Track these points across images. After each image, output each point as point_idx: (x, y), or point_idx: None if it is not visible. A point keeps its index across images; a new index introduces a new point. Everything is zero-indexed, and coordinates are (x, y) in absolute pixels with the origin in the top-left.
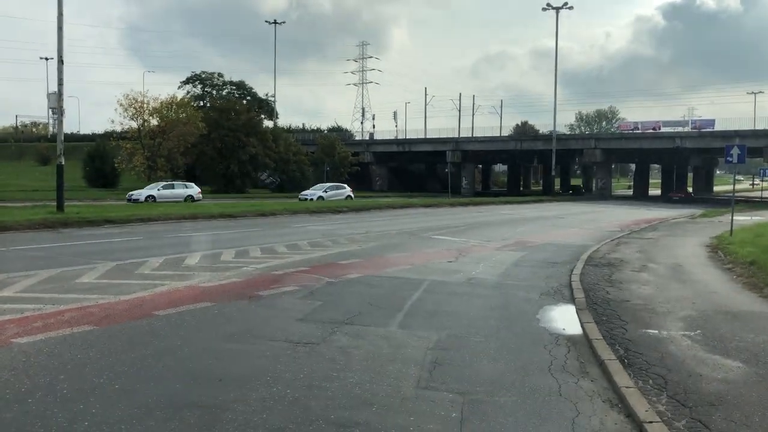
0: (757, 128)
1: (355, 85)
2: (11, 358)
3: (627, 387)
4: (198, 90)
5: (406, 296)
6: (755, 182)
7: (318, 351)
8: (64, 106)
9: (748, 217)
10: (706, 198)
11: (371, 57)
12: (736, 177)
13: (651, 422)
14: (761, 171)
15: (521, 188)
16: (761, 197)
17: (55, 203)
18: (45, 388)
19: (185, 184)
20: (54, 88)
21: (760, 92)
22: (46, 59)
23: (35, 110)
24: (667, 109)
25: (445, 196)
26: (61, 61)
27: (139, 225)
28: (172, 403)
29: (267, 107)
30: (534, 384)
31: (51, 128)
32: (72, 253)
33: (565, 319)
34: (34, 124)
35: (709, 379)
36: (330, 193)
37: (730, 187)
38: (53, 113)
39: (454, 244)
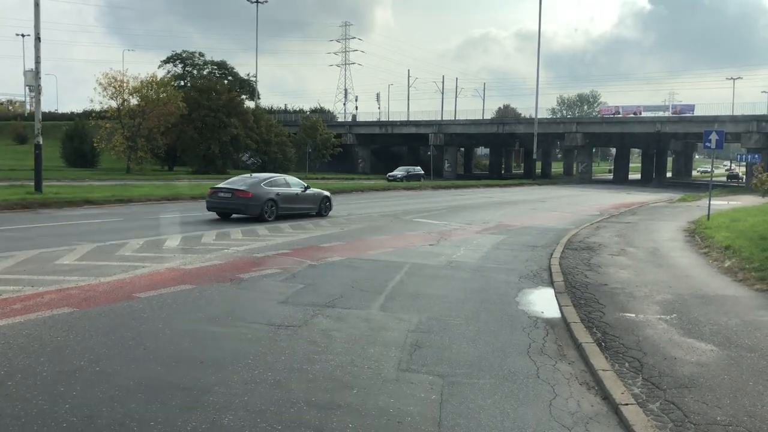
0: (735, 114)
1: (338, 66)
2: None
3: (604, 370)
4: (179, 69)
5: (387, 279)
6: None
7: (299, 334)
8: (42, 85)
9: (725, 202)
10: (685, 182)
11: (354, 38)
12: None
13: (626, 404)
14: (738, 156)
15: (503, 172)
16: (738, 182)
17: (32, 183)
18: (25, 370)
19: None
20: (31, 65)
21: (739, 78)
22: (23, 36)
23: (11, 88)
24: (649, 93)
25: (428, 179)
26: (38, 39)
27: (119, 206)
28: (153, 386)
29: (249, 87)
30: (512, 366)
31: (28, 106)
32: (51, 234)
33: (543, 302)
34: (11, 102)
35: (684, 362)
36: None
37: (718, 171)
38: (30, 91)
39: (435, 227)
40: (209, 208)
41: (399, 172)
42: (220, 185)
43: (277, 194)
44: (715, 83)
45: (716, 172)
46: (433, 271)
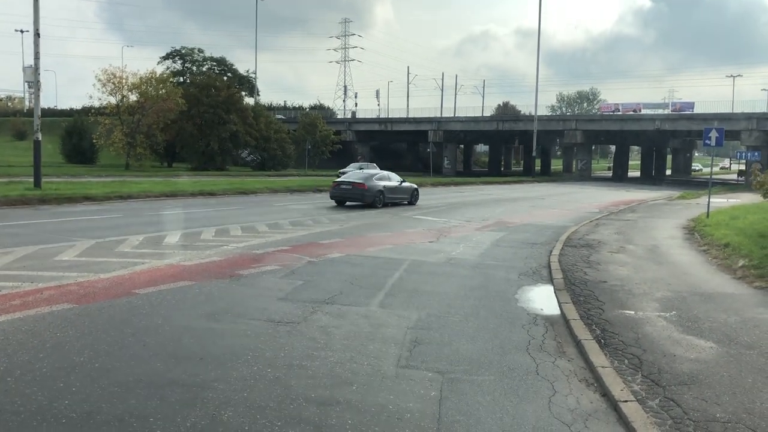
0: (735, 111)
1: (337, 62)
2: None
3: (603, 366)
4: (178, 66)
5: (386, 276)
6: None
7: (299, 330)
8: (41, 80)
9: (725, 200)
10: (684, 180)
11: (354, 34)
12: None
13: (626, 401)
14: (738, 153)
15: (502, 169)
16: (737, 179)
17: (32, 179)
18: (24, 366)
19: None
20: (30, 61)
21: (739, 75)
22: (22, 32)
23: (11, 84)
24: (649, 91)
25: (427, 176)
26: (37, 34)
27: (119, 202)
28: (152, 382)
29: (248, 84)
30: (512, 363)
31: (27, 102)
32: (50, 230)
33: (543, 299)
34: (10, 99)
35: (683, 359)
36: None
37: (707, 169)
38: (29, 87)
39: (435, 224)
40: (332, 197)
41: (349, 170)
42: (341, 179)
43: (384, 187)
44: (716, 81)
45: (717, 169)
46: (432, 268)
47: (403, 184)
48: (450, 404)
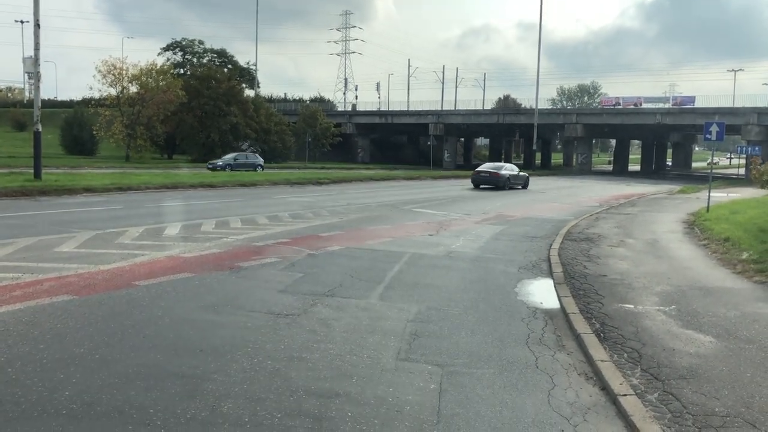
0: (736, 106)
1: (338, 55)
2: None
3: (602, 360)
4: (178, 57)
5: (386, 269)
6: (714, 160)
7: (299, 322)
8: (41, 71)
9: (725, 194)
10: (684, 174)
11: (355, 27)
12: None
13: (625, 395)
14: (738, 148)
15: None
16: (737, 174)
17: (32, 171)
18: (25, 357)
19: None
20: (30, 52)
21: (740, 70)
22: (22, 22)
23: (10, 75)
24: (651, 85)
25: (427, 169)
26: (37, 25)
27: (119, 194)
28: (152, 374)
29: (248, 76)
30: (511, 356)
31: (27, 93)
32: (50, 221)
33: (542, 292)
34: (10, 89)
35: (682, 354)
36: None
37: (725, 161)
38: (29, 78)
39: (435, 217)
40: (474, 181)
41: (227, 158)
42: (480, 169)
43: (510, 175)
44: (717, 75)
45: (721, 163)
46: (432, 261)
47: (520, 173)
48: (449, 397)
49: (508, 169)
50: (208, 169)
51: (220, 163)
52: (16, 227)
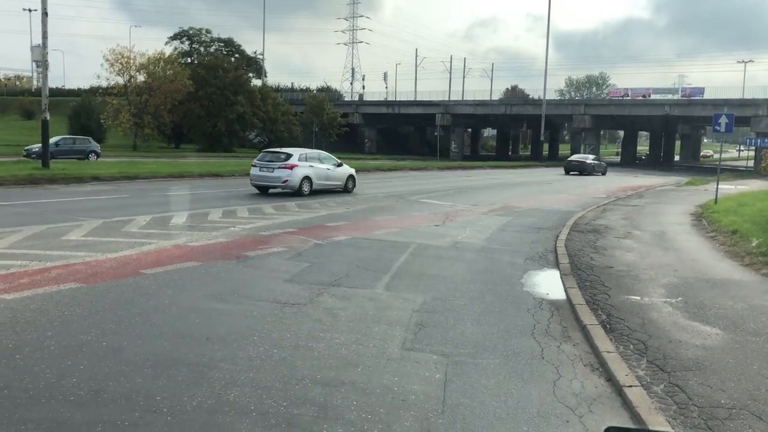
0: (745, 97)
1: (345, 44)
2: None
3: (608, 351)
4: (185, 46)
5: (392, 259)
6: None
7: (305, 312)
8: (49, 60)
9: (733, 186)
10: (693, 166)
11: (362, 16)
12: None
13: (630, 386)
14: (747, 140)
15: (510, 153)
16: (746, 166)
17: (40, 159)
18: (33, 344)
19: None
20: (37, 40)
21: (750, 61)
22: (29, 11)
23: (19, 63)
24: (660, 75)
25: (434, 160)
26: (45, 14)
27: (126, 183)
28: (159, 361)
29: (255, 65)
30: (517, 347)
31: (35, 82)
32: (58, 209)
33: (549, 283)
34: (18, 78)
35: (688, 345)
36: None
37: (716, 155)
38: (37, 67)
39: (441, 208)
40: (566, 168)
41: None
42: (571, 159)
43: (594, 163)
44: (727, 66)
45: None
46: (438, 252)
47: (601, 162)
48: (455, 387)
49: (592, 159)
50: (24, 156)
51: (36, 149)
52: (25, 215)
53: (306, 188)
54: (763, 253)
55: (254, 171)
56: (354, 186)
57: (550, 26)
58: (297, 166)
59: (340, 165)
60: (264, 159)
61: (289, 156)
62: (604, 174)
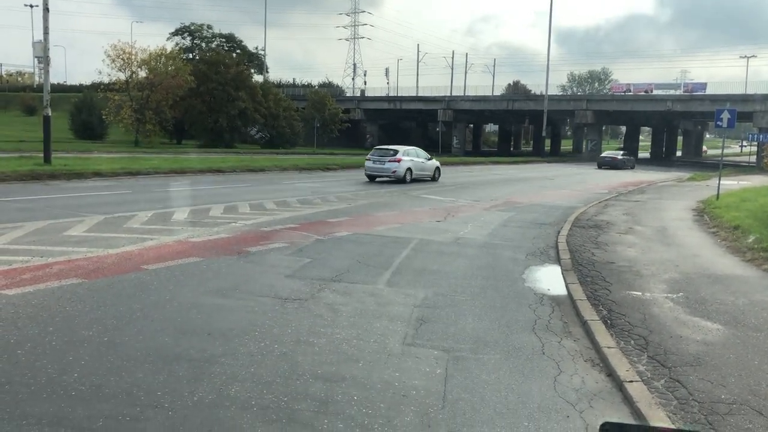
0: (747, 93)
1: (346, 40)
2: None
3: (609, 347)
4: (187, 42)
5: (394, 254)
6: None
7: (306, 307)
8: (50, 56)
9: (735, 182)
10: (694, 161)
11: (364, 11)
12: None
13: (631, 381)
14: (750, 135)
15: (512, 149)
16: (748, 161)
17: (41, 155)
18: (34, 339)
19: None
20: (39, 36)
21: (753, 56)
22: (31, 6)
23: (20, 59)
24: (662, 71)
25: (436, 155)
26: (46, 9)
27: (128, 178)
28: (160, 356)
29: (257, 61)
30: (518, 342)
31: (37, 78)
32: (60, 205)
33: (550, 279)
34: (20, 74)
35: (689, 341)
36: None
37: (719, 151)
38: (39, 62)
39: (443, 204)
40: (599, 164)
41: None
42: (604, 155)
43: (625, 159)
44: (731, 61)
45: (729, 151)
46: (439, 248)
47: (630, 157)
48: (455, 382)
49: (621, 155)
50: None
51: None
52: (26, 211)
53: (408, 177)
54: (764, 248)
55: (368, 164)
56: (439, 176)
57: (553, 21)
58: (402, 160)
59: (430, 159)
60: (376, 155)
61: (396, 152)
62: (632, 168)
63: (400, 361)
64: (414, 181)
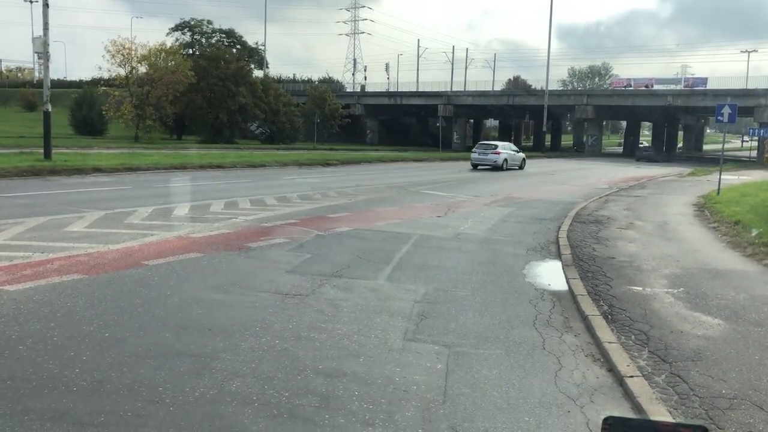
0: (748, 87)
1: (347, 35)
2: (0, 306)
3: (610, 342)
4: (187, 38)
5: (394, 250)
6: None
7: (307, 302)
8: (50, 51)
9: (736, 177)
10: (695, 156)
11: (364, 7)
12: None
13: (632, 376)
14: (750, 131)
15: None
16: (749, 156)
17: (42, 150)
18: (35, 335)
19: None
20: (39, 32)
21: (754, 51)
22: (31, 2)
23: (20, 55)
24: (663, 66)
25: (436, 151)
26: (46, 5)
27: (128, 174)
28: (162, 352)
29: (257, 56)
30: (518, 337)
31: (36, 73)
32: (60, 201)
33: (551, 274)
34: (19, 69)
35: (690, 336)
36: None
37: (719, 146)
38: (39, 58)
39: (443, 199)
40: (638, 158)
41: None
42: (642, 146)
43: (649, 153)
44: (732, 56)
45: (730, 146)
46: (440, 243)
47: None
48: (456, 377)
49: (648, 149)
50: None
51: None
52: (27, 207)
53: (505, 166)
54: (765, 243)
55: (474, 155)
56: (525, 165)
57: (553, 16)
58: (501, 152)
59: (518, 151)
60: (480, 148)
61: (496, 146)
62: (667, 162)
63: (401, 356)
64: (508, 169)
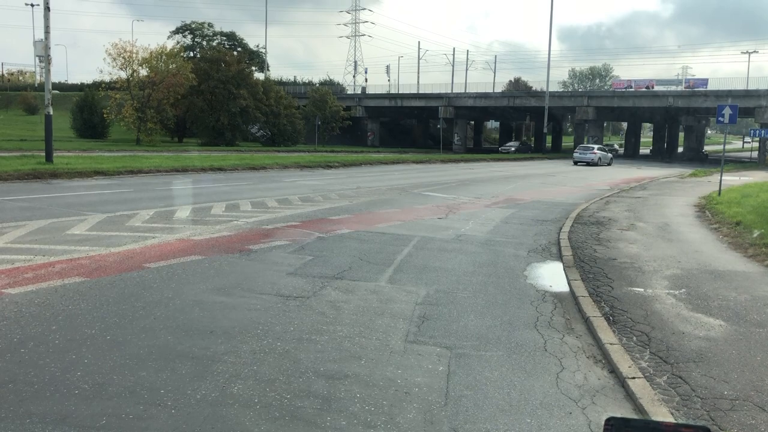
0: (749, 88)
1: (347, 37)
2: (2, 309)
3: (611, 343)
4: (188, 40)
5: (395, 252)
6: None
7: (308, 305)
8: (51, 55)
9: (737, 177)
10: (696, 157)
11: (365, 9)
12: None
13: (633, 378)
14: (752, 131)
15: None
16: (750, 157)
17: (43, 154)
18: (37, 338)
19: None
20: (40, 35)
21: (755, 51)
22: (32, 5)
23: (22, 58)
24: (664, 67)
25: (437, 152)
26: (47, 8)
27: (129, 177)
28: (163, 355)
29: (258, 59)
30: (520, 339)
31: (38, 77)
32: (62, 204)
33: (552, 276)
34: (21, 72)
35: (691, 337)
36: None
37: (720, 147)
38: (40, 61)
39: (444, 201)
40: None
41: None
42: (580, 150)
43: (707, 153)
44: (733, 57)
45: (731, 147)
46: (441, 245)
47: (606, 153)
48: (458, 379)
49: (599, 149)
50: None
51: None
52: (28, 210)
53: (598, 163)
54: (766, 244)
55: (576, 154)
56: (612, 161)
57: (554, 18)
58: (596, 153)
59: (607, 152)
60: (581, 149)
61: (593, 148)
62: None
63: (402, 358)
64: (600, 165)
